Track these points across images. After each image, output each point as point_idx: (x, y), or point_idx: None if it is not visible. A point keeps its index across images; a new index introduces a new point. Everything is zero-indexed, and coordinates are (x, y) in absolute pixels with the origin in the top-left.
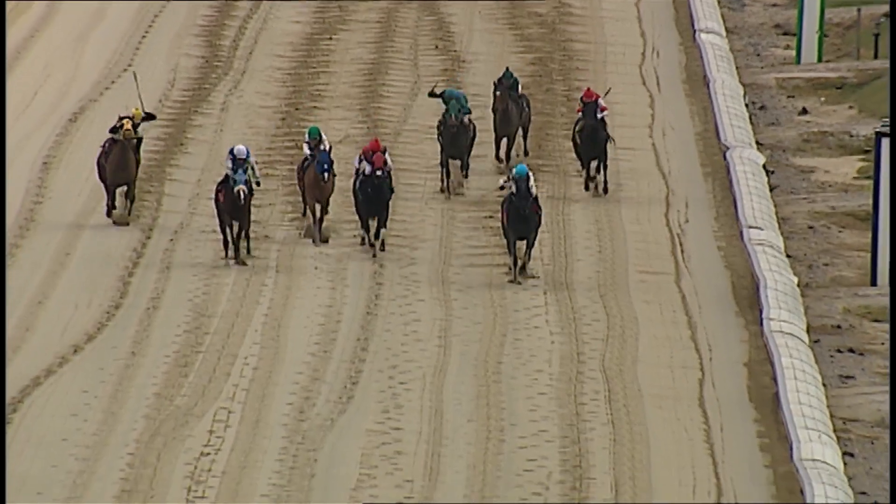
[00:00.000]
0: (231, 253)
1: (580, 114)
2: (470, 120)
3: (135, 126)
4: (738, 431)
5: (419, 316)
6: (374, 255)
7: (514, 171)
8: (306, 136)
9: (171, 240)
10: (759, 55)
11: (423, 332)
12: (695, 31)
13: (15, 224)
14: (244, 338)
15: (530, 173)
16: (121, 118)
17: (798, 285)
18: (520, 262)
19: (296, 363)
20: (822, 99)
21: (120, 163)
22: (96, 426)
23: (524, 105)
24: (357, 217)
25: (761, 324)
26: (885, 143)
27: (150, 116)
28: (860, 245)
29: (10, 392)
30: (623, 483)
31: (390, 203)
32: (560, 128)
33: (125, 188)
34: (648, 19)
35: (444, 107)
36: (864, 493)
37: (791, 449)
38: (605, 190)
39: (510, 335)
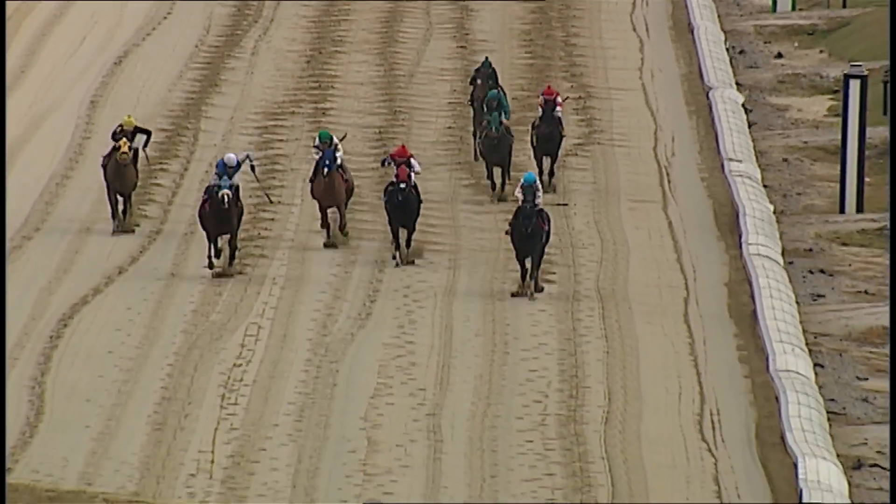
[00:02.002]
0: (216, 262)
1: (541, 109)
2: (508, 127)
3: (130, 136)
4: (720, 344)
5: (432, 246)
6: (398, 264)
7: (523, 179)
8: (316, 139)
9: (206, 171)
10: (738, 4)
11: (435, 258)
12: None
13: (65, 157)
14: (273, 260)
15: (538, 181)
16: (120, 126)
17: (774, 212)
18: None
19: (319, 283)
20: (796, 44)
21: (116, 172)
22: (139, 340)
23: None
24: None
25: (740, 247)
26: (853, 84)
27: (145, 132)
28: (830, 176)
29: (62, 309)
30: (615, 391)
31: (419, 212)
32: (558, 71)
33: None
34: None
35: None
36: (833, 399)
37: (767, 360)
38: (551, 185)
39: (513, 261)
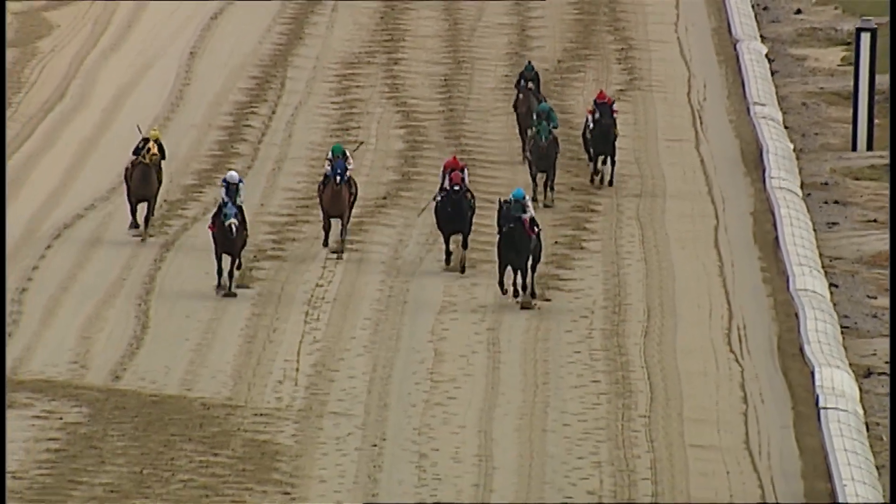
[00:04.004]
0: (224, 282)
1: (590, 115)
2: (555, 136)
3: (160, 147)
4: (745, 267)
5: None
6: (462, 272)
7: (512, 194)
8: (329, 153)
9: (292, 115)
10: None
11: (492, 198)
12: None
13: (168, 101)
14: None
15: (528, 197)
16: (143, 140)
17: (793, 150)
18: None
19: (391, 215)
20: (813, 1)
21: (142, 179)
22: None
23: (544, 102)
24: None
25: (764, 181)
26: (864, 36)
27: (160, 150)
28: (843, 118)
29: (165, 236)
30: (653, 308)
31: (471, 219)
32: (603, 25)
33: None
34: None
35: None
36: (846, 316)
37: (788, 281)
38: (611, 182)
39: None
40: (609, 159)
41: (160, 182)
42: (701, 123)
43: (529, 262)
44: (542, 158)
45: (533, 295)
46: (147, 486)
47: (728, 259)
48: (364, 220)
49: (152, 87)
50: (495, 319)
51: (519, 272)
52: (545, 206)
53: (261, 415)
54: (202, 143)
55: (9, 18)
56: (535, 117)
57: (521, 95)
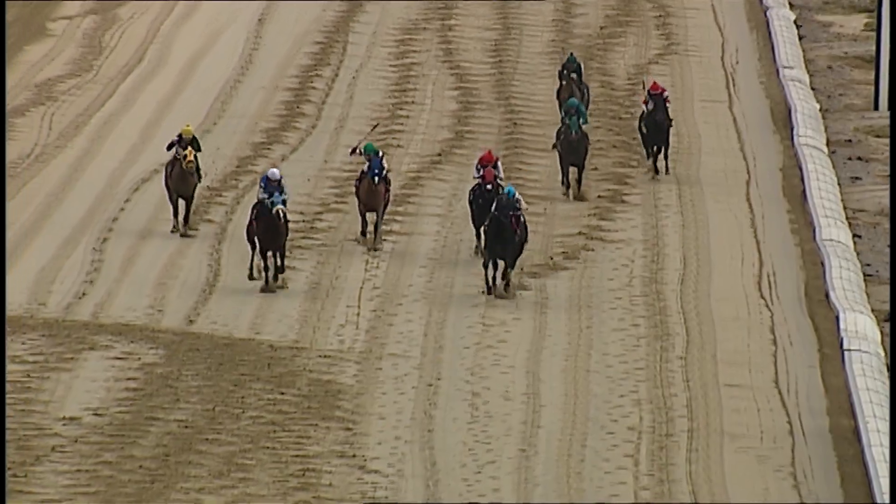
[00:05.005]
0: (262, 275)
1: (645, 106)
2: (584, 132)
3: (186, 145)
4: (775, 219)
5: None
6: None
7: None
8: (361, 149)
9: (353, 77)
10: None
11: (538, 157)
12: None
13: (238, 64)
14: (407, 149)
15: (518, 195)
16: (178, 136)
17: (819, 110)
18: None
19: (445, 171)
20: None
21: (182, 178)
22: (297, 217)
23: (585, 91)
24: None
25: (792, 139)
26: (885, 3)
27: (195, 144)
28: (866, 80)
29: (236, 190)
30: (689, 257)
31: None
32: None
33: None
34: None
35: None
36: (868, 264)
37: (814, 232)
38: (667, 171)
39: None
40: (664, 150)
41: (200, 178)
42: (734, 85)
43: (514, 255)
44: (572, 152)
45: (507, 287)
46: (219, 422)
47: (759, 211)
48: (421, 176)
49: (224, 51)
50: (542, 266)
51: (503, 263)
52: (574, 198)
53: (324, 356)
54: (270, 104)
55: None
56: (564, 113)
57: (563, 83)
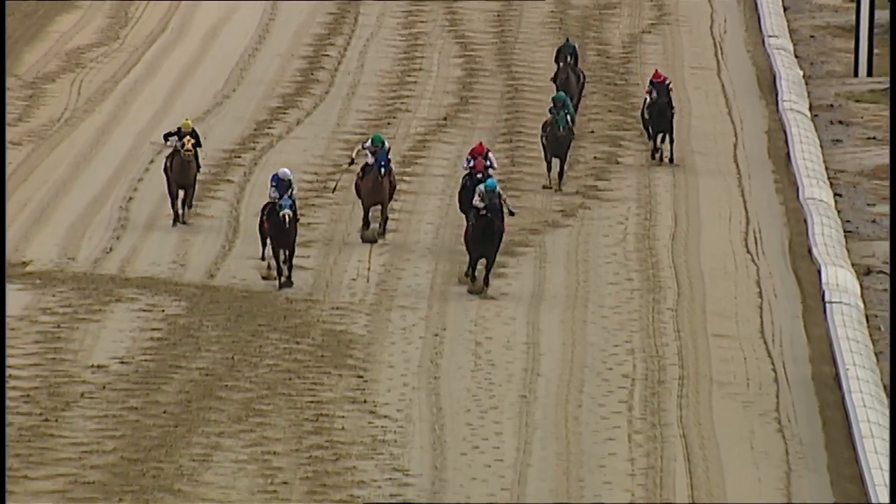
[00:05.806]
0: (274, 274)
1: (647, 95)
2: (570, 126)
3: (194, 136)
4: (761, 179)
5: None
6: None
7: (483, 185)
8: (369, 143)
9: (365, 45)
10: None
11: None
12: None
13: (255, 34)
14: (413, 119)
15: (500, 189)
16: (177, 129)
17: (803, 76)
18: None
19: (448, 133)
20: None
21: (181, 168)
22: (311, 176)
23: (580, 76)
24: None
25: (777, 104)
26: None
27: (195, 138)
28: (846, 48)
29: (254, 152)
30: (680, 215)
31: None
32: None
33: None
34: None
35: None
36: (848, 221)
37: (798, 191)
38: (672, 160)
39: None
40: (668, 137)
41: (198, 168)
42: (721, 53)
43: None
44: (557, 145)
45: (486, 283)
46: (238, 370)
47: (745, 172)
48: (427, 139)
49: (242, 21)
50: (542, 224)
51: (484, 262)
52: (556, 190)
53: (337, 308)
54: (286, 70)
55: None
56: (552, 105)
57: (560, 65)
